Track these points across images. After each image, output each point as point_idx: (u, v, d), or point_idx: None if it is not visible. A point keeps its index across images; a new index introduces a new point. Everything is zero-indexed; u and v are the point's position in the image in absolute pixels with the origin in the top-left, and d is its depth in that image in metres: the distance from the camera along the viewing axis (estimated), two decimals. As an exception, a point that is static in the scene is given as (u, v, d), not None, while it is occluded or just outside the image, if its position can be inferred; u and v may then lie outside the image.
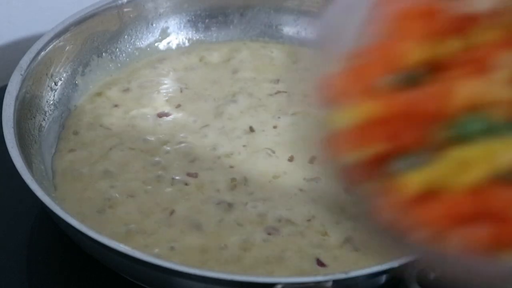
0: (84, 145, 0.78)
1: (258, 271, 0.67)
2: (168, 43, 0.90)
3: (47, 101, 0.80)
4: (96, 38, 0.85)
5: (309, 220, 0.71)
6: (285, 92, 0.85)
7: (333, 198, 0.73)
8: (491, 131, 0.41)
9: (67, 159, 0.76)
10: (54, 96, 0.81)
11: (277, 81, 0.86)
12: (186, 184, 0.74)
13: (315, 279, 0.61)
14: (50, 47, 0.80)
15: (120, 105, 0.83)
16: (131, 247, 0.63)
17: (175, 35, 0.90)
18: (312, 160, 0.77)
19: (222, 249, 0.68)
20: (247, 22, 0.92)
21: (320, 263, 0.67)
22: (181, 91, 0.84)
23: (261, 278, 0.63)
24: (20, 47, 0.81)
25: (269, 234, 0.70)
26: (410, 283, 0.62)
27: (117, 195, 0.73)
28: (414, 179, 0.41)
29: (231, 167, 0.76)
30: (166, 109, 0.82)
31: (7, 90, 0.74)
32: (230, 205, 0.72)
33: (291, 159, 0.77)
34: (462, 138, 0.41)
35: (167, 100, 0.83)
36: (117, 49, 0.87)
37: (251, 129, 0.80)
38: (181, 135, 0.79)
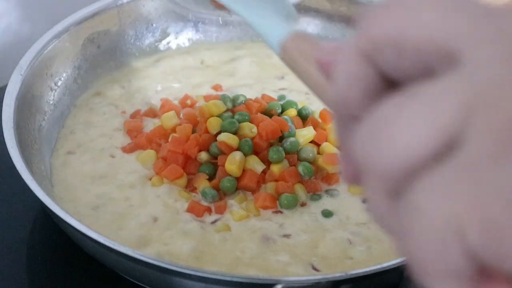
0: (82, 145, 0.78)
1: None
2: (168, 43, 0.90)
3: (47, 101, 0.80)
4: (96, 38, 0.85)
5: (302, 229, 0.71)
6: (286, 88, 0.85)
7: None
8: None
9: (64, 159, 0.76)
10: (54, 96, 0.81)
11: (282, 77, 0.87)
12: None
13: (315, 278, 0.61)
14: (50, 47, 0.80)
15: (119, 105, 0.83)
16: (129, 247, 0.63)
17: (175, 35, 0.90)
18: None
19: (215, 254, 0.68)
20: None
21: (315, 269, 0.67)
22: (181, 92, 0.84)
23: (261, 278, 0.63)
24: (20, 47, 0.81)
25: (262, 243, 0.69)
26: (410, 283, 0.62)
27: (112, 195, 0.73)
28: None
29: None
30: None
31: (7, 90, 0.74)
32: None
33: None
34: None
35: (167, 100, 0.83)
36: (117, 49, 0.87)
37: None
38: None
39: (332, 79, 0.35)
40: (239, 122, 0.75)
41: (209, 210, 0.71)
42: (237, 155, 0.72)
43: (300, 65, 0.44)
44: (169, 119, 0.77)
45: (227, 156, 0.72)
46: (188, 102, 0.81)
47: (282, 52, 0.47)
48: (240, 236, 0.69)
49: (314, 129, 0.76)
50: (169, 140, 0.75)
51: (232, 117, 0.75)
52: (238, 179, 0.73)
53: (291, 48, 0.46)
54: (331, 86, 0.35)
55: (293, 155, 0.74)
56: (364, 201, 0.70)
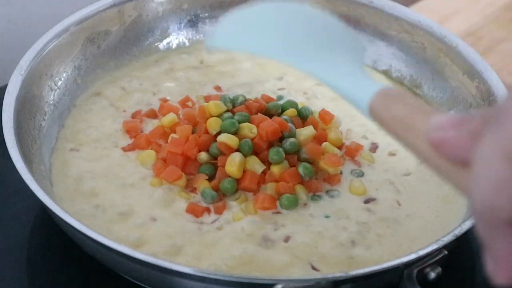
0: (82, 145, 0.78)
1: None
2: (168, 43, 0.90)
3: (47, 101, 0.80)
4: (96, 38, 0.85)
5: (302, 230, 0.70)
6: (285, 89, 0.85)
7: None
8: None
9: (64, 158, 0.76)
10: (54, 96, 0.81)
11: (281, 78, 0.86)
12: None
13: (315, 278, 0.61)
14: (50, 47, 0.80)
15: (119, 105, 0.82)
16: (129, 247, 0.63)
17: (175, 35, 0.90)
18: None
19: (214, 255, 0.68)
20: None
21: (315, 269, 0.67)
22: (181, 92, 0.84)
23: (261, 278, 0.63)
24: (20, 47, 0.81)
25: (262, 243, 0.69)
26: (410, 283, 0.62)
27: (112, 195, 0.73)
28: None
29: None
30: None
31: (7, 90, 0.74)
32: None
33: None
34: None
35: (166, 100, 0.83)
36: (117, 49, 0.87)
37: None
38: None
39: (474, 182, 0.32)
40: (239, 123, 0.75)
41: (208, 210, 0.71)
42: (237, 156, 0.72)
43: (398, 133, 0.41)
44: (169, 120, 0.77)
45: (227, 157, 0.72)
46: (189, 104, 0.81)
47: (370, 114, 0.43)
48: (240, 237, 0.69)
49: (314, 129, 0.76)
50: (169, 140, 0.75)
51: (232, 117, 0.75)
52: (238, 180, 0.72)
53: (380, 111, 0.42)
54: (474, 191, 0.32)
55: (293, 155, 0.74)
56: None
